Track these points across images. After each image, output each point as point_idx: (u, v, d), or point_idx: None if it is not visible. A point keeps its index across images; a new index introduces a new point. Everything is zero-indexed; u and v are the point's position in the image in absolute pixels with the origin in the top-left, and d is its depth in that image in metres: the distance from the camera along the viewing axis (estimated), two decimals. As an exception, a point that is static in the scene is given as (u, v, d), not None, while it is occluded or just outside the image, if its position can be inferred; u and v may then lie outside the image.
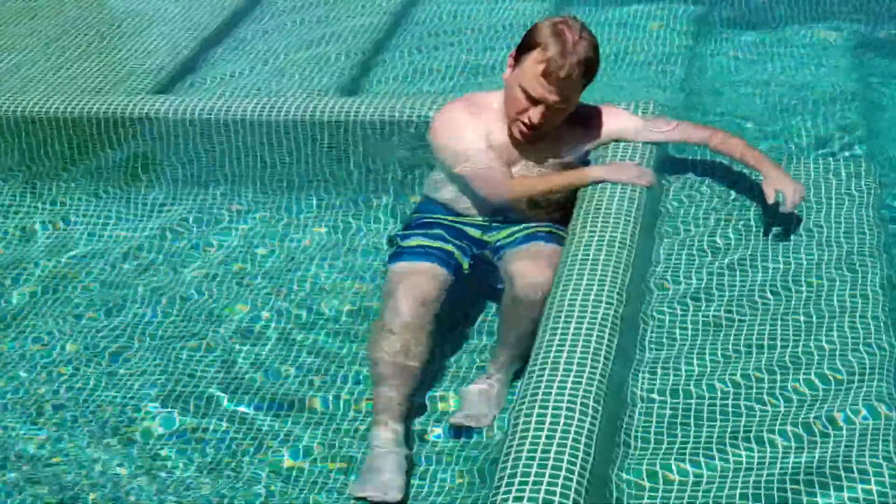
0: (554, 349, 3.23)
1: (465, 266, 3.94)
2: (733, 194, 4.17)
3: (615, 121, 4.09)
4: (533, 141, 3.90)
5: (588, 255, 3.61)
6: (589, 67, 3.77)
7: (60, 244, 4.64)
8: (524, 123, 3.83)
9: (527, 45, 3.79)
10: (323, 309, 4.21)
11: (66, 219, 4.75)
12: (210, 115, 4.85)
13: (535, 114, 3.79)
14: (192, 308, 4.24)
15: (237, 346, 4.05)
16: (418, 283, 3.79)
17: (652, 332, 3.60)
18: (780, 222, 3.98)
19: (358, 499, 3.41)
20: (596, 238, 3.68)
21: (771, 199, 3.88)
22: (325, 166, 4.80)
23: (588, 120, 4.04)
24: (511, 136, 3.92)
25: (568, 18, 3.80)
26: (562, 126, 3.94)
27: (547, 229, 3.95)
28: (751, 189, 4.14)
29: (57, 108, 4.98)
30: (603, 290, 3.45)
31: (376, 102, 4.76)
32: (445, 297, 3.84)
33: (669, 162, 4.32)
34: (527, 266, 3.78)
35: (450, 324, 4.01)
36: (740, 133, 4.26)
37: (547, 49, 3.73)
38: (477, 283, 4.10)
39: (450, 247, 3.95)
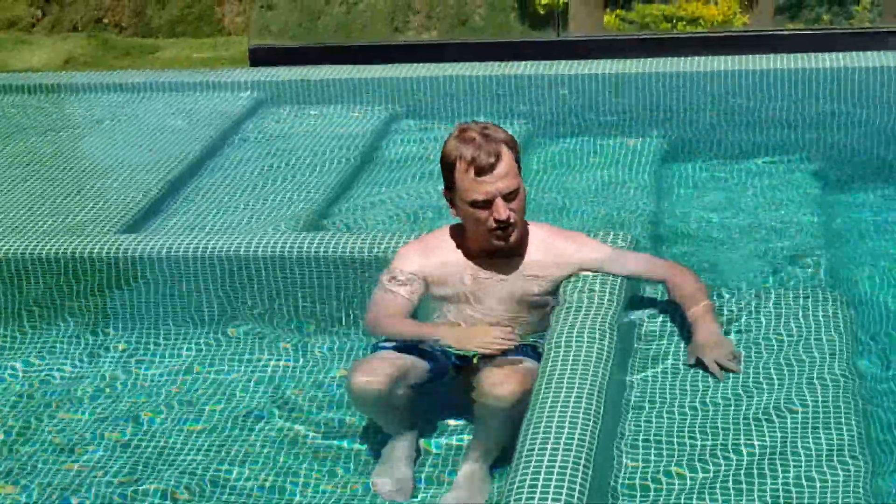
0: (528, 484, 3.19)
1: (450, 362, 3.95)
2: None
3: (585, 251, 4.10)
4: (512, 237, 3.86)
5: (560, 392, 3.57)
6: (509, 142, 3.83)
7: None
8: (497, 226, 3.82)
9: (447, 170, 3.85)
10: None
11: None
12: (178, 252, 4.81)
13: (498, 211, 3.80)
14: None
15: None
16: (374, 367, 3.78)
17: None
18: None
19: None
20: (567, 374, 3.65)
21: (689, 362, 3.93)
22: (287, 301, 4.75)
23: (558, 248, 4.05)
24: (477, 263, 3.94)
25: (460, 125, 3.88)
26: (531, 250, 3.99)
27: (528, 344, 3.94)
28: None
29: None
30: (576, 427, 3.41)
31: (342, 238, 4.75)
32: (415, 382, 3.84)
33: (642, 289, 4.33)
34: (495, 377, 3.73)
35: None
36: (699, 274, 4.24)
37: (464, 154, 3.78)
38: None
39: (426, 347, 3.93)
